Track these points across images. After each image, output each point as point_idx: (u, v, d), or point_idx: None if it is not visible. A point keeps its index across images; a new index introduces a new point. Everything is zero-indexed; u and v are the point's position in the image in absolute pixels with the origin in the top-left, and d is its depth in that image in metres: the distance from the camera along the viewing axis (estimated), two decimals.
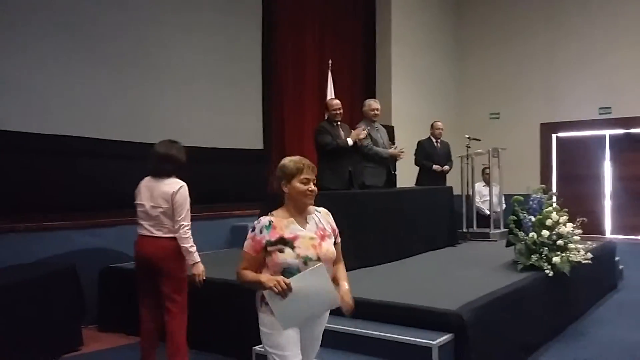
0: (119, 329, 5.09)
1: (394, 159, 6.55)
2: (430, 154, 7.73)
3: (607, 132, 11.29)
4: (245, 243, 2.49)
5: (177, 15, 7.21)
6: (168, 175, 3.79)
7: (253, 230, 2.48)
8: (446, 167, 7.76)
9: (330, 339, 3.72)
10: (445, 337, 3.49)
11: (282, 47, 8.92)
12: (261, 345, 2.58)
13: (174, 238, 3.72)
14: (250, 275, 2.44)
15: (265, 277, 2.40)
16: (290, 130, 9.00)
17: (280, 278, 2.34)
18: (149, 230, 3.77)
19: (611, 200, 11.29)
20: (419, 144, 7.85)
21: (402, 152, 6.58)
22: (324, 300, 2.43)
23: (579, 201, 11.00)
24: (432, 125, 7.96)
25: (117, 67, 6.47)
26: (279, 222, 2.46)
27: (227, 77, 7.85)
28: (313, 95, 9.28)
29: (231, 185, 7.49)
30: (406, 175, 7.93)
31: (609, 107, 11.00)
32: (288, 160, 2.56)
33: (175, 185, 3.74)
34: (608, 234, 11.12)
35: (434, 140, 7.85)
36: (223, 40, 7.84)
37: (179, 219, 3.69)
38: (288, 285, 2.31)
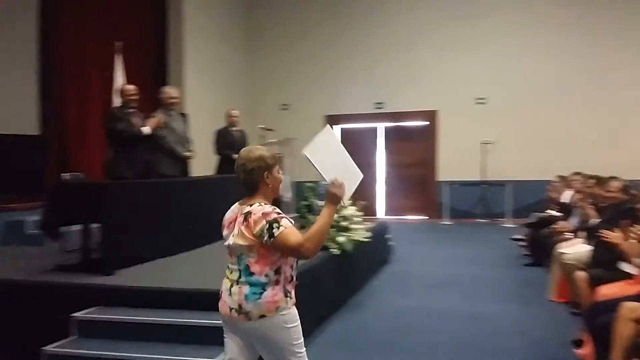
0: None
1: (185, 159, 6.52)
2: (229, 142, 7.78)
3: (381, 125, 12.73)
4: (283, 224, 2.30)
5: None
6: None
7: (279, 214, 2.34)
8: None
9: (133, 331, 3.67)
10: None
11: (61, 24, 8.15)
12: (54, 345, 2.42)
13: None
14: (318, 223, 2.37)
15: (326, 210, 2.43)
16: (72, 114, 8.30)
17: None
18: None
19: (385, 185, 12.78)
20: (217, 132, 7.86)
21: (192, 155, 6.59)
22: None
23: (359, 186, 12.21)
24: (227, 114, 8.02)
25: None
26: None
27: None
28: (98, 78, 8.67)
29: (1, 175, 6.67)
30: (204, 164, 7.92)
31: (383, 103, 12.40)
32: (263, 151, 2.48)
33: None
34: (382, 215, 12.55)
35: (230, 128, 7.93)
36: None
37: None
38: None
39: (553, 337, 4.48)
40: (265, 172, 2.44)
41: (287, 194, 8.36)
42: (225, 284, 2.45)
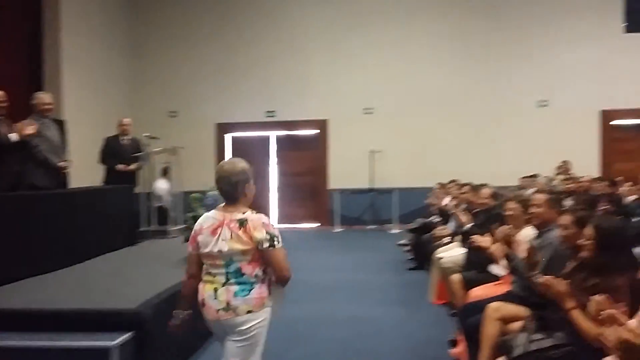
0: None
1: (61, 170, 6.12)
2: (117, 152, 7.43)
3: (273, 133, 12.77)
4: (281, 241, 2.68)
5: None
6: None
7: (274, 228, 2.67)
8: (133, 166, 7.54)
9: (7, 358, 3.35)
10: (124, 337, 3.49)
11: None
12: None
13: None
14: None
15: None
16: None
17: None
18: None
19: (277, 193, 12.81)
20: (105, 141, 7.48)
21: (68, 165, 6.21)
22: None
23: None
24: (118, 122, 7.68)
25: None
26: None
27: None
28: None
29: None
30: (90, 174, 7.49)
31: (274, 111, 12.46)
32: (244, 164, 2.72)
33: None
34: (274, 224, 12.55)
35: (121, 137, 7.58)
36: None
37: None
38: None
39: (432, 337, 4.72)
40: (246, 184, 2.72)
41: (165, 201, 8.13)
42: (208, 290, 2.65)
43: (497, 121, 12.07)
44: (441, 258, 5.57)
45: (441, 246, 6.22)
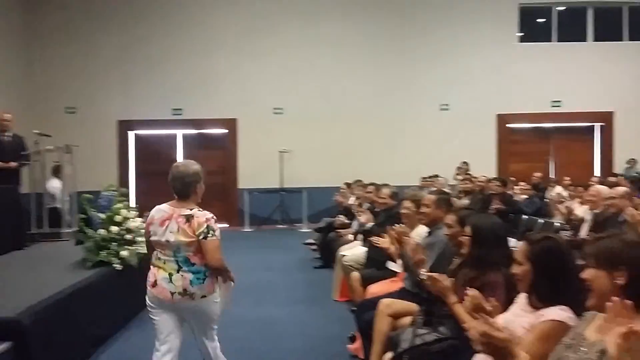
0: None
1: None
2: None
3: (180, 132, 12.42)
4: (217, 233, 3.03)
5: None
6: None
7: (215, 223, 3.06)
8: (13, 164, 6.99)
9: None
10: (1, 347, 3.24)
11: None
12: None
13: None
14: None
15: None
16: None
17: None
18: None
19: None
20: None
21: None
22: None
23: (158, 196, 11.71)
24: None
25: None
26: None
27: None
28: None
29: None
30: None
31: (181, 109, 12.12)
32: (197, 166, 3.14)
33: None
34: None
35: (0, 134, 7.00)
36: None
37: None
38: None
39: (333, 334, 4.78)
40: (197, 185, 3.13)
41: (59, 202, 7.67)
42: (162, 274, 3.06)
43: (402, 123, 12.46)
44: (344, 256, 5.65)
45: (344, 244, 6.32)
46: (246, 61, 12.19)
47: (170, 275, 3.03)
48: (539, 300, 2.12)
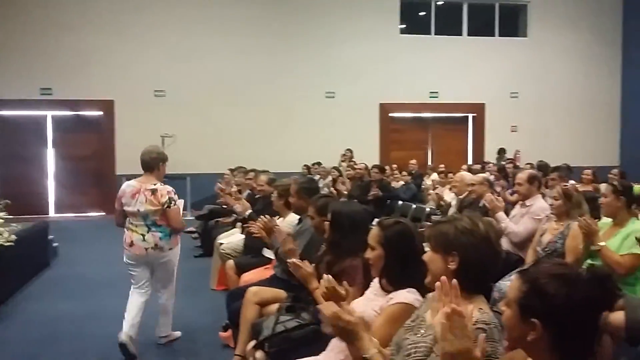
0: None
1: None
2: None
3: (50, 113, 11.50)
4: (178, 203, 4.00)
5: None
6: None
7: (175, 194, 4.01)
8: None
9: None
10: None
11: None
12: None
13: None
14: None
15: None
16: None
17: None
18: None
19: (55, 180, 11.59)
20: None
21: None
22: None
23: (24, 182, 10.85)
24: None
25: None
26: None
27: None
28: None
29: None
30: None
31: (50, 88, 11.21)
32: (160, 148, 4.22)
33: None
34: (52, 213, 11.39)
35: None
36: None
37: None
38: None
39: (207, 324, 4.70)
40: (161, 163, 4.05)
41: None
42: (135, 235, 3.98)
43: (288, 109, 12.49)
44: (221, 244, 5.55)
45: (224, 232, 6.21)
46: (125, 40, 11.54)
47: (143, 235, 3.97)
48: (389, 284, 2.18)
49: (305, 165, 10.76)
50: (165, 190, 3.91)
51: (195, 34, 11.92)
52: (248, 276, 4.19)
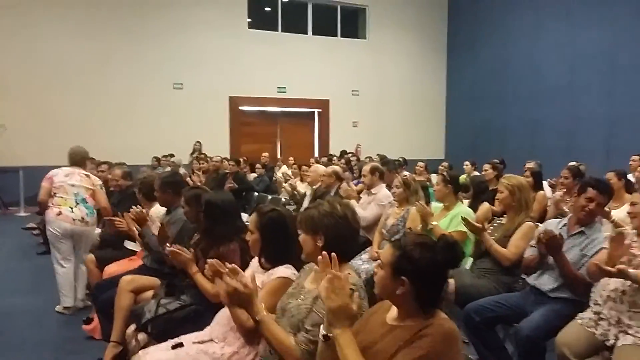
0: None
1: None
2: None
3: None
4: (103, 188, 5.06)
5: None
6: None
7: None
8: None
9: None
10: None
11: None
12: None
13: None
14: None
15: None
16: None
17: None
18: None
19: None
20: None
21: None
22: None
23: None
24: None
25: None
26: None
27: None
28: None
29: None
30: None
31: None
32: (85, 150, 5.07)
33: None
34: None
35: None
36: None
37: None
38: None
39: (67, 320, 4.61)
40: (87, 160, 5.03)
41: None
42: (64, 207, 4.65)
43: (134, 98, 12.13)
44: None
45: None
46: None
47: (71, 208, 4.65)
48: (267, 262, 2.49)
49: (155, 157, 10.57)
50: (97, 177, 5.03)
51: (28, 14, 11.01)
52: (112, 268, 4.18)
